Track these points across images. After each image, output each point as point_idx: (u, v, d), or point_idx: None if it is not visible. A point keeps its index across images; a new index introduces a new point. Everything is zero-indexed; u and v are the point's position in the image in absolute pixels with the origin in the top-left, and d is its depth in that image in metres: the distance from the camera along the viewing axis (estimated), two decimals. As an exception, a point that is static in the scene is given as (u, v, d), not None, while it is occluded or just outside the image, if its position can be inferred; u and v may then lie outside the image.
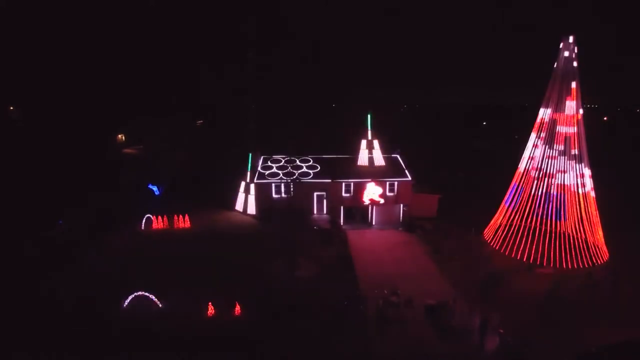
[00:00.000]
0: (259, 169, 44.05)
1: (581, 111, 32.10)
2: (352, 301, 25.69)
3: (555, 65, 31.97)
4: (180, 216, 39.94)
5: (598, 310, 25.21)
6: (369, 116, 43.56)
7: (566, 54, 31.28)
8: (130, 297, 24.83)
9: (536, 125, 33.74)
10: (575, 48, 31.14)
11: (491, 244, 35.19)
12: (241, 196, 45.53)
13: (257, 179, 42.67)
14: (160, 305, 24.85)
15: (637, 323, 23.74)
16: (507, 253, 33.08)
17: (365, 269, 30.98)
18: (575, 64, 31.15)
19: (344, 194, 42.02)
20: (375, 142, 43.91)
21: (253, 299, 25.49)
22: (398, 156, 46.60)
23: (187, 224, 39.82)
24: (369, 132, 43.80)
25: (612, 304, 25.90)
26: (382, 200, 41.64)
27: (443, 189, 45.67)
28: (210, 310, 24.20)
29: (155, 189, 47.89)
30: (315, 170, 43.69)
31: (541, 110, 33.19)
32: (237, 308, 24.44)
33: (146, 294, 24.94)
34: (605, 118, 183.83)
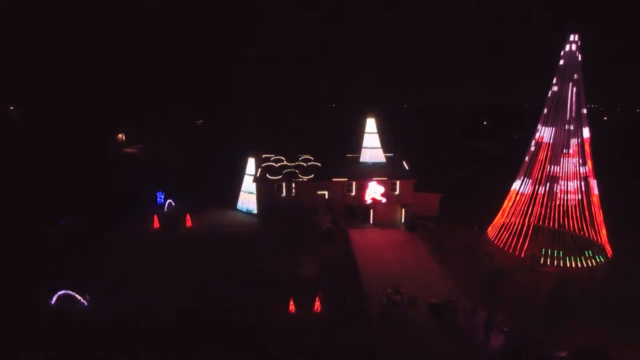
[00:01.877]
0: (261, 167, 43.91)
1: (584, 110, 32.08)
2: (355, 300, 25.58)
3: (561, 60, 32.00)
4: (183, 217, 39.79)
5: (599, 309, 25.09)
6: (369, 115, 43.46)
7: (568, 48, 31.40)
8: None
9: (542, 117, 33.64)
10: (579, 42, 31.21)
11: (494, 242, 35.12)
12: (243, 195, 45.44)
13: (259, 178, 42.54)
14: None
15: (637, 323, 23.66)
16: (510, 251, 33.01)
17: (368, 268, 30.84)
18: (579, 57, 31.24)
19: (345, 193, 41.91)
20: (377, 142, 43.77)
21: (255, 298, 25.43)
22: (399, 156, 46.50)
23: (189, 223, 39.76)
24: (370, 132, 43.65)
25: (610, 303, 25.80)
26: (383, 200, 41.60)
27: (444, 188, 45.60)
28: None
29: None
30: (317, 169, 43.58)
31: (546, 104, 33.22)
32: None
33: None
34: (605, 118, 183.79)
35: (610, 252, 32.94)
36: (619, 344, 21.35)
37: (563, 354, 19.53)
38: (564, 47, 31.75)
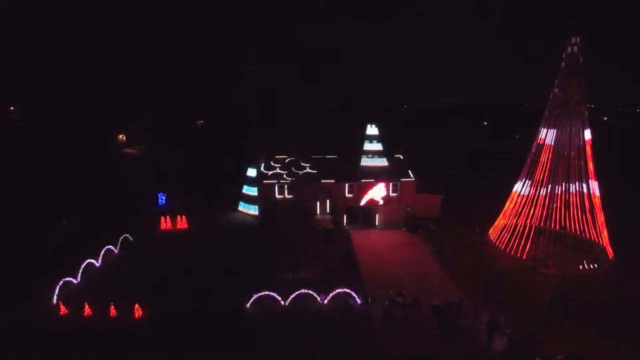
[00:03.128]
0: (262, 169, 43.88)
1: (585, 112, 32.14)
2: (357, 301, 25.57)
3: (562, 63, 32.00)
4: (179, 217, 39.80)
5: (600, 310, 25.10)
6: (370, 116, 43.46)
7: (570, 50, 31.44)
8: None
9: (544, 119, 33.68)
10: (581, 45, 31.23)
11: (496, 244, 35.13)
12: (244, 196, 45.38)
13: (260, 180, 42.49)
14: None
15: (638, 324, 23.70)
16: (512, 253, 33.03)
17: (370, 270, 30.87)
18: (581, 60, 31.27)
19: (347, 195, 41.89)
20: (378, 143, 43.73)
21: (257, 299, 25.45)
22: (401, 157, 46.49)
23: (185, 225, 39.63)
24: (371, 133, 43.62)
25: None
26: (381, 202, 41.61)
27: (445, 189, 45.55)
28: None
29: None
30: (319, 171, 43.56)
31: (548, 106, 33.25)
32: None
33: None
34: (605, 118, 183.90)
35: (612, 254, 32.99)
36: (619, 344, 21.43)
37: (560, 357, 19.59)
38: (565, 49, 31.76)
